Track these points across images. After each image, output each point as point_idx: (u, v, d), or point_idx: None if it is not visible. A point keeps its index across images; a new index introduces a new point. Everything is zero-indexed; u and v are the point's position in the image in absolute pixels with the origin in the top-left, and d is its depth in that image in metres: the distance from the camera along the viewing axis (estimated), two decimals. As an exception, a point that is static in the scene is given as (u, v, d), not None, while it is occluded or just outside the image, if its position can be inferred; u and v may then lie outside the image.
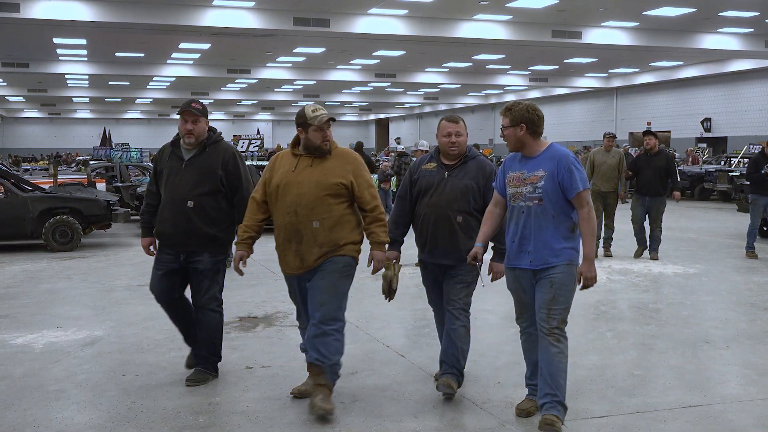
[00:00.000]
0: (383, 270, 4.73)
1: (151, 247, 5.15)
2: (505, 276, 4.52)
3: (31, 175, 20.98)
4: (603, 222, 10.92)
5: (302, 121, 4.53)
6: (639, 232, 10.76)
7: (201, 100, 5.15)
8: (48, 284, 9.01)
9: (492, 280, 4.75)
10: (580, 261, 4.22)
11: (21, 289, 8.65)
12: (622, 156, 11.10)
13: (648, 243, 10.71)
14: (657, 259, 10.51)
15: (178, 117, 5.07)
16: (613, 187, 10.91)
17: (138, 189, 15.24)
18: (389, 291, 4.80)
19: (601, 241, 10.91)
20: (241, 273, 4.61)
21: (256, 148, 26.70)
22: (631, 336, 6.44)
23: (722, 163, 24.10)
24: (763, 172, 10.53)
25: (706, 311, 7.42)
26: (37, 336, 6.42)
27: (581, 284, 4.19)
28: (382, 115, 63.98)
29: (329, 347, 4.38)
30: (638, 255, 10.74)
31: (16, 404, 4.67)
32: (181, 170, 4.96)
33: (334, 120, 4.57)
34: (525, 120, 4.25)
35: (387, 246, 4.62)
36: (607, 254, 10.90)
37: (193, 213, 4.88)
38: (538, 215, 4.20)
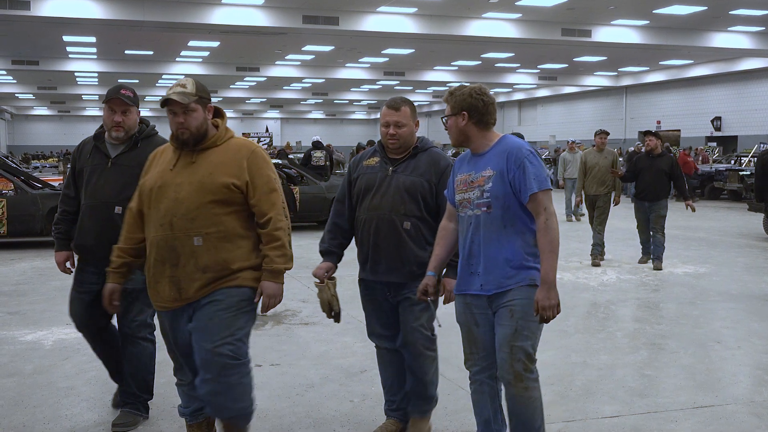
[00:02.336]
0: (317, 292, 3.86)
1: (68, 263, 4.34)
2: (454, 304, 3.59)
3: (41, 172, 21.06)
4: (594, 226, 10.29)
5: None
6: (646, 242, 10.12)
7: (132, 87, 4.21)
8: (58, 281, 9.02)
9: (445, 302, 3.78)
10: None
11: (31, 286, 8.68)
12: (616, 156, 10.63)
13: (651, 250, 10.02)
14: (660, 269, 9.68)
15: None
16: (607, 189, 10.33)
17: None
18: (330, 314, 3.88)
19: (591, 248, 10.26)
20: (112, 311, 3.72)
21: (265, 146, 26.87)
22: (641, 336, 6.41)
23: (732, 162, 24.02)
24: None
25: (717, 311, 7.38)
26: (46, 333, 6.44)
27: (537, 315, 3.24)
28: (390, 114, 63.94)
29: (230, 397, 3.41)
30: (643, 262, 10.13)
31: (25, 401, 4.68)
32: (106, 169, 4.08)
33: (174, 102, 3.32)
34: (467, 107, 3.38)
35: (283, 275, 3.43)
36: (595, 263, 10.05)
37: (121, 221, 3.74)
38: (487, 226, 3.33)
